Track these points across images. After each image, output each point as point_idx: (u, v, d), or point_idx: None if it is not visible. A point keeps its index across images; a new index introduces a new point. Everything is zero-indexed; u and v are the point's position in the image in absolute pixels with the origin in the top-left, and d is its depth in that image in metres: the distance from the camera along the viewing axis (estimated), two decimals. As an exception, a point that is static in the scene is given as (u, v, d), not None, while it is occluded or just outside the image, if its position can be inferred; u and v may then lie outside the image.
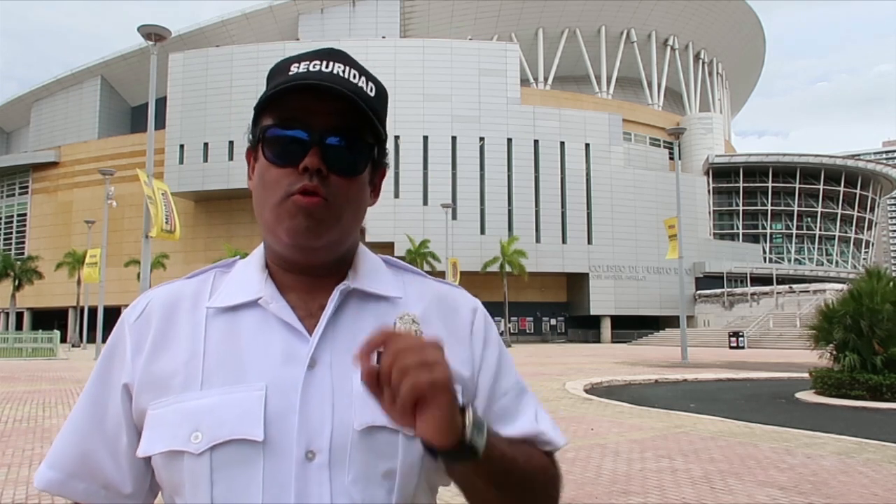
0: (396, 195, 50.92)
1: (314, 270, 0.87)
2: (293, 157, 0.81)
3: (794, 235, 68.93)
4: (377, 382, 0.67)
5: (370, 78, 0.86)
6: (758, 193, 67.76)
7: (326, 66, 0.83)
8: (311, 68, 0.83)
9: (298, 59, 0.85)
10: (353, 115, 0.82)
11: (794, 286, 52.07)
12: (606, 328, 55.76)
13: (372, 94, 0.85)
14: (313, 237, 0.82)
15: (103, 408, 0.85)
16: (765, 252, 66.54)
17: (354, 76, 0.84)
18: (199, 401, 0.79)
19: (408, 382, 0.65)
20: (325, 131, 0.81)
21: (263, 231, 0.87)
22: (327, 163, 0.81)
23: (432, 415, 0.67)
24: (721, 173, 66.29)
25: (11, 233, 65.49)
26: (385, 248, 47.68)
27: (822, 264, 68.53)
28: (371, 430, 0.78)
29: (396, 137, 50.68)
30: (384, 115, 0.88)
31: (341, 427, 0.78)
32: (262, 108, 0.83)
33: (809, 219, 69.41)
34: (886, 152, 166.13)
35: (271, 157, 0.82)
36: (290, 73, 0.83)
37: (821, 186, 68.15)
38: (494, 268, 48.98)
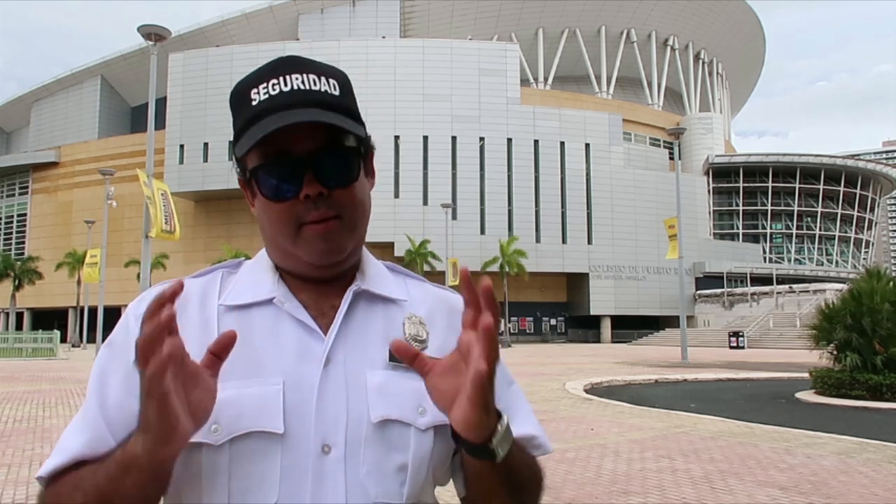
0: (396, 195, 50.92)
1: (325, 277, 0.89)
2: (290, 188, 0.82)
3: (794, 235, 68.94)
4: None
5: (330, 75, 0.86)
6: (758, 193, 67.77)
7: (286, 84, 0.82)
8: (271, 90, 0.82)
9: (256, 81, 0.84)
10: (331, 128, 0.82)
11: (794, 286, 52.06)
12: (606, 328, 55.75)
13: (337, 92, 0.85)
14: (336, 254, 0.85)
15: (107, 395, 0.82)
16: (765, 252, 66.54)
17: (315, 82, 0.83)
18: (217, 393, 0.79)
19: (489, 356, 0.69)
20: (311, 154, 0.81)
21: (276, 254, 0.89)
22: (324, 183, 0.82)
23: (470, 403, 0.71)
24: (721, 173, 66.30)
25: (11, 233, 65.50)
26: (385, 248, 47.70)
27: (822, 264, 68.53)
28: (385, 423, 0.81)
29: (396, 137, 50.71)
30: (355, 105, 0.88)
31: (356, 422, 0.80)
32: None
33: (809, 219, 69.42)
34: (886, 152, 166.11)
35: (270, 195, 0.83)
36: (253, 101, 0.83)
37: (821, 186, 68.16)
38: (494, 268, 48.94)
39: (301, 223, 0.83)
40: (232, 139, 0.88)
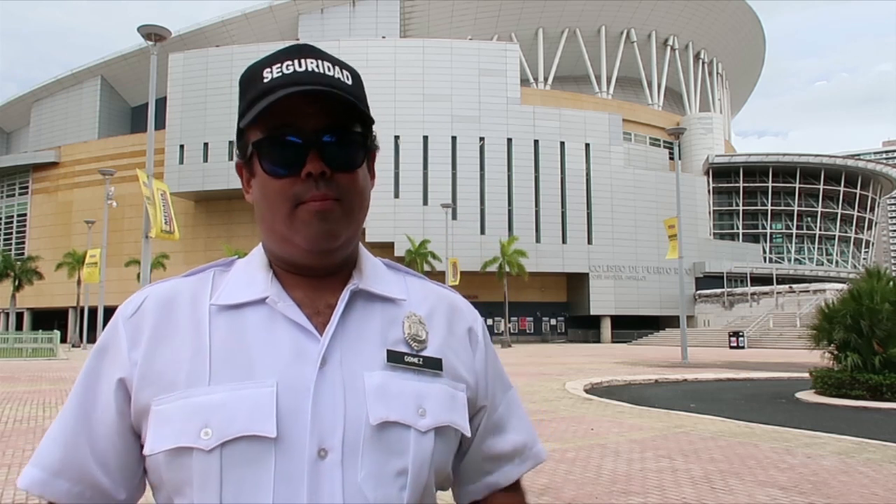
0: (396, 195, 50.91)
1: (321, 271, 0.86)
2: (292, 165, 0.80)
3: (794, 235, 68.91)
4: None
5: (343, 66, 0.85)
6: (758, 193, 67.74)
7: (301, 65, 0.81)
8: (285, 70, 0.81)
9: (269, 62, 0.82)
10: (341, 110, 0.81)
11: (794, 286, 52.05)
12: (606, 328, 55.74)
13: (349, 82, 0.84)
14: (332, 239, 0.82)
15: (92, 404, 0.82)
16: (765, 252, 66.52)
17: (329, 69, 0.82)
18: (207, 396, 0.77)
19: None
20: (318, 132, 0.80)
21: (271, 240, 0.86)
22: (328, 163, 0.80)
23: None
24: (721, 173, 66.28)
25: (11, 233, 65.44)
26: (385, 248, 47.69)
27: (822, 264, 68.50)
28: (384, 425, 0.79)
29: (396, 137, 50.70)
30: (365, 100, 0.87)
31: (353, 425, 0.78)
32: (249, 122, 0.82)
33: (809, 219, 69.40)
34: (886, 152, 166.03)
35: (270, 169, 0.81)
36: (265, 79, 0.81)
37: (821, 186, 68.13)
38: (494, 268, 48.96)
39: (298, 202, 0.80)
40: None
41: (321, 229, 0.81)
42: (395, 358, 0.83)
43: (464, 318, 0.94)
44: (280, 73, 0.80)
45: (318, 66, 0.82)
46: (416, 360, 0.84)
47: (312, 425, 0.76)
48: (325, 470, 0.75)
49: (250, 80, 0.83)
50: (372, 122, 0.86)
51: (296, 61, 0.81)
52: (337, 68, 0.84)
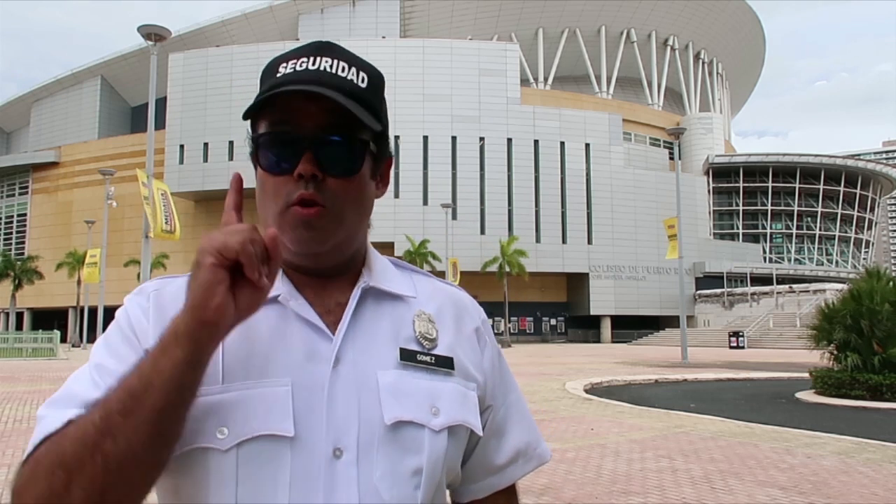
0: (396, 195, 50.88)
1: (326, 271, 0.86)
2: (287, 164, 0.79)
3: (794, 235, 68.92)
4: None
5: (361, 67, 0.84)
6: (758, 193, 67.76)
7: (314, 63, 0.81)
8: (298, 67, 0.81)
9: (286, 57, 0.83)
10: (344, 112, 0.79)
11: (794, 286, 52.04)
12: (606, 328, 55.73)
13: (363, 84, 0.83)
14: (317, 244, 0.81)
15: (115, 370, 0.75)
16: (765, 252, 66.52)
17: (343, 69, 0.82)
18: (222, 395, 0.76)
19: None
20: (317, 133, 0.79)
21: None
22: (322, 166, 0.79)
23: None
24: (721, 173, 66.29)
25: (11, 233, 65.44)
26: (385, 248, 47.67)
27: (822, 264, 68.51)
28: (398, 425, 0.78)
29: (396, 137, 50.65)
30: (379, 104, 0.85)
31: (368, 424, 0.77)
32: (255, 115, 0.82)
33: (809, 219, 69.40)
34: (886, 152, 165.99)
35: (266, 165, 0.81)
36: (279, 73, 0.81)
37: (821, 186, 68.14)
38: (494, 268, 48.96)
39: (289, 203, 0.79)
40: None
41: (305, 235, 0.80)
42: (407, 356, 0.83)
43: (471, 318, 0.94)
44: (292, 70, 0.80)
45: (331, 66, 0.81)
46: (428, 358, 0.84)
47: (327, 425, 0.76)
48: (340, 469, 0.75)
49: (268, 73, 0.83)
50: (379, 128, 0.83)
51: (311, 59, 0.81)
52: (353, 69, 0.83)
